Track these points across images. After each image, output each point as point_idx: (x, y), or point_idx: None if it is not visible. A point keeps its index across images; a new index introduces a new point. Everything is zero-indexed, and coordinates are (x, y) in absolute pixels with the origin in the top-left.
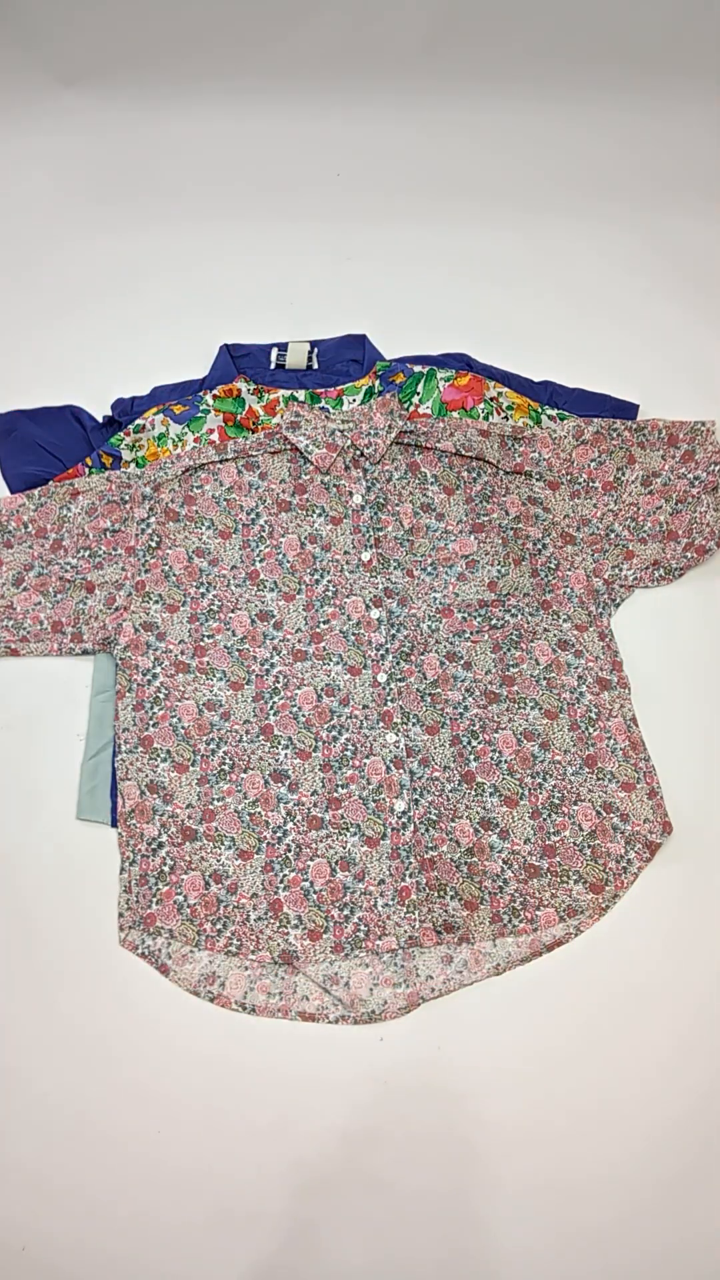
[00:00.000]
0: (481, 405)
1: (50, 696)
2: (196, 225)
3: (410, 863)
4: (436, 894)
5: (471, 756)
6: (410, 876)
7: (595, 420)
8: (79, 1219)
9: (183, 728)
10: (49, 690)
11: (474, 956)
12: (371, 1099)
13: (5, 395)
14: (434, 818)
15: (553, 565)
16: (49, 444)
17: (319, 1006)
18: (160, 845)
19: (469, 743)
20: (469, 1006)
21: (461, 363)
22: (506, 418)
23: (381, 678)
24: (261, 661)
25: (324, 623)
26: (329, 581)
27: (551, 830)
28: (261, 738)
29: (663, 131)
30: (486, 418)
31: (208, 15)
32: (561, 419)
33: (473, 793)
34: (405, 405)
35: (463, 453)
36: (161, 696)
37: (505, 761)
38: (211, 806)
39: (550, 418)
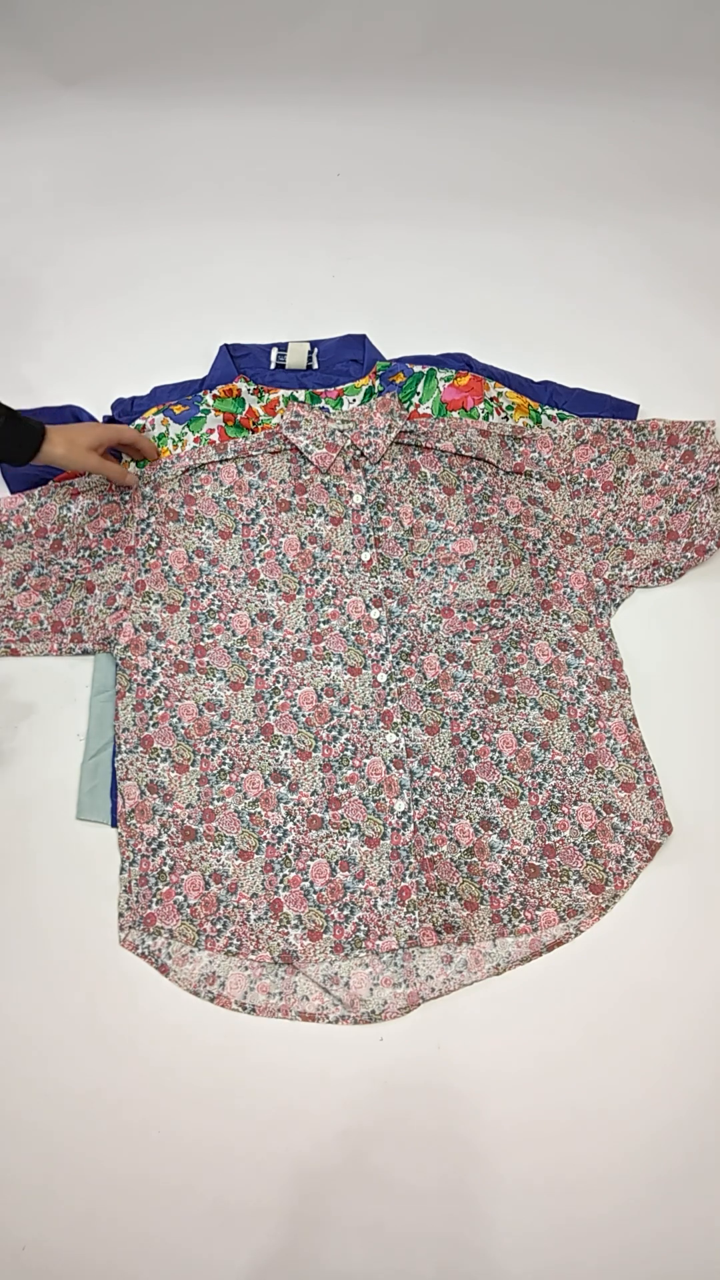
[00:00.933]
0: (481, 405)
1: (50, 696)
2: (196, 225)
3: (410, 863)
4: (436, 894)
5: (471, 756)
6: (410, 876)
7: (595, 420)
8: (79, 1218)
9: (183, 728)
10: (49, 690)
11: (474, 956)
12: (371, 1098)
13: (5, 395)
14: (434, 818)
15: (553, 565)
16: None
17: (319, 1006)
18: (160, 845)
19: (469, 743)
20: (469, 1006)
21: (461, 363)
22: (506, 418)
23: (381, 678)
24: (261, 661)
25: (324, 623)
26: (329, 581)
27: (551, 830)
28: (261, 738)
29: (662, 132)
30: (486, 418)
31: (208, 15)
32: (561, 419)
33: (473, 793)
34: (405, 405)
35: (463, 452)
36: (161, 696)
37: (505, 761)
38: (211, 806)
39: (550, 418)
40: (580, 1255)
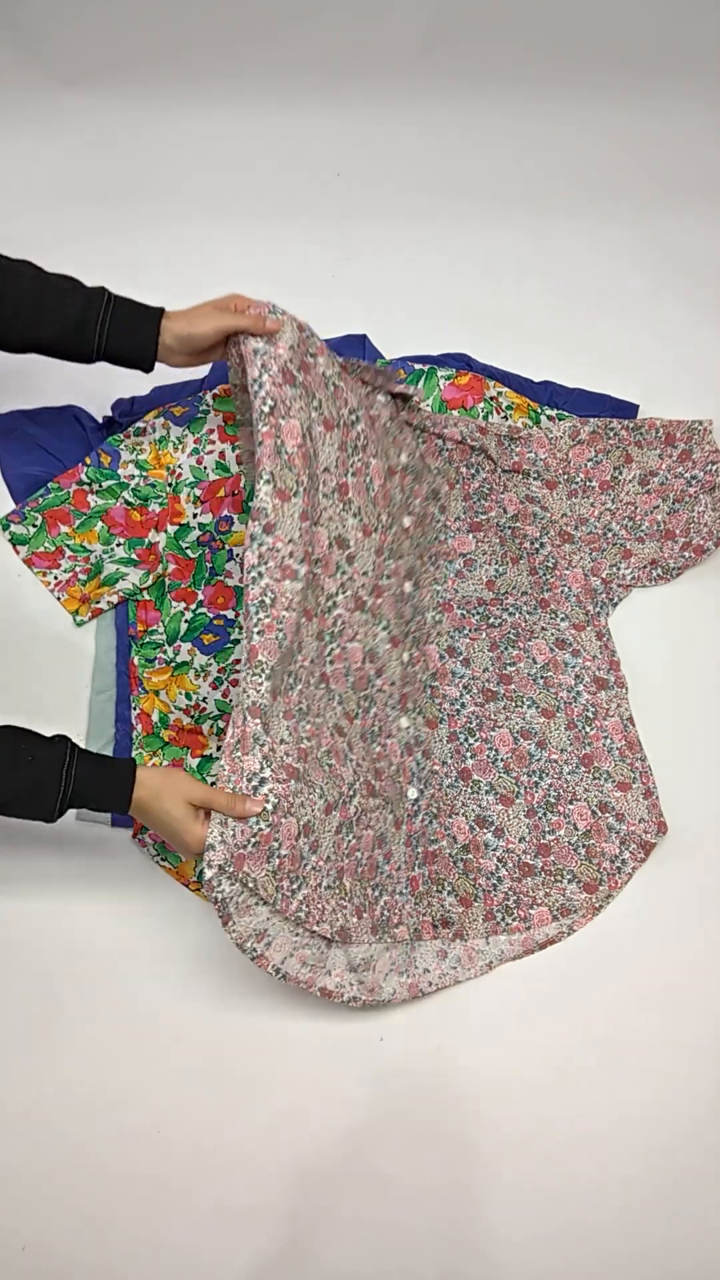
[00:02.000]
0: (481, 404)
1: (51, 696)
2: (196, 225)
3: (418, 852)
4: (435, 888)
5: (468, 754)
6: (418, 867)
7: (591, 420)
8: (79, 1218)
9: (284, 646)
10: (50, 690)
11: (467, 953)
12: (371, 1098)
13: (5, 395)
14: (435, 811)
15: (550, 564)
16: (49, 444)
17: (338, 984)
18: (263, 781)
19: (466, 740)
20: (469, 1008)
21: (461, 362)
22: (506, 417)
23: (405, 657)
24: (328, 595)
25: (387, 577)
26: (394, 535)
27: (546, 829)
28: (322, 684)
29: (663, 132)
30: (486, 417)
31: (208, 15)
32: (561, 419)
33: (469, 790)
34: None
35: (469, 442)
36: (268, 601)
37: (501, 760)
38: (303, 745)
39: (549, 418)
40: (581, 1256)
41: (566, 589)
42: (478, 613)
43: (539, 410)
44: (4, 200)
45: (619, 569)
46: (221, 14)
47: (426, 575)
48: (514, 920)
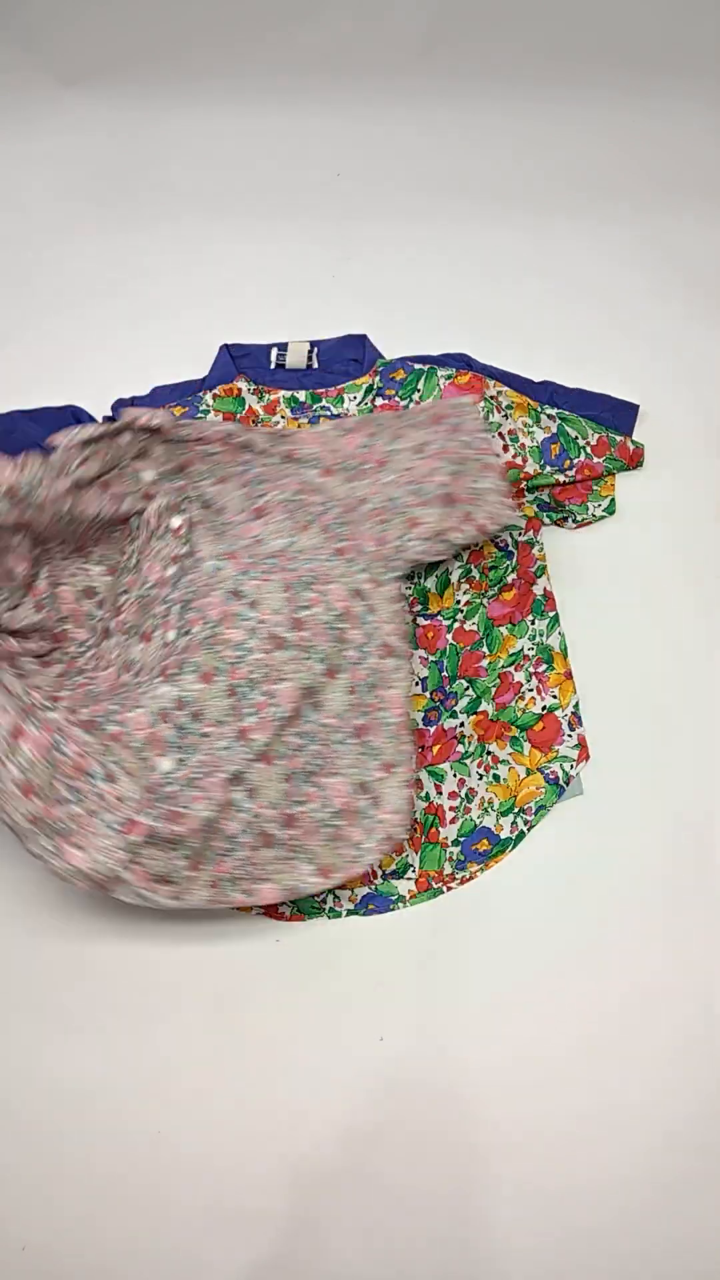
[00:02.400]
0: (481, 404)
1: None
2: (196, 225)
3: (160, 809)
4: (170, 845)
5: (248, 711)
6: (150, 820)
7: (356, 415)
8: (79, 1219)
9: None
10: None
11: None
12: (371, 1099)
13: (5, 395)
14: (198, 775)
15: (342, 523)
16: None
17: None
18: None
19: (247, 694)
20: (469, 1007)
21: (461, 362)
22: (506, 416)
23: (170, 635)
24: (79, 644)
25: (123, 592)
26: (135, 549)
27: (298, 798)
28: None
29: (663, 132)
30: (486, 416)
31: (208, 15)
32: (561, 418)
33: (242, 748)
34: (406, 402)
35: (233, 440)
36: None
37: (279, 718)
38: None
39: (549, 416)
40: (583, 1259)
41: (361, 545)
42: (269, 561)
43: (539, 409)
44: (4, 200)
45: (407, 539)
46: (221, 14)
47: (212, 546)
48: (238, 893)
